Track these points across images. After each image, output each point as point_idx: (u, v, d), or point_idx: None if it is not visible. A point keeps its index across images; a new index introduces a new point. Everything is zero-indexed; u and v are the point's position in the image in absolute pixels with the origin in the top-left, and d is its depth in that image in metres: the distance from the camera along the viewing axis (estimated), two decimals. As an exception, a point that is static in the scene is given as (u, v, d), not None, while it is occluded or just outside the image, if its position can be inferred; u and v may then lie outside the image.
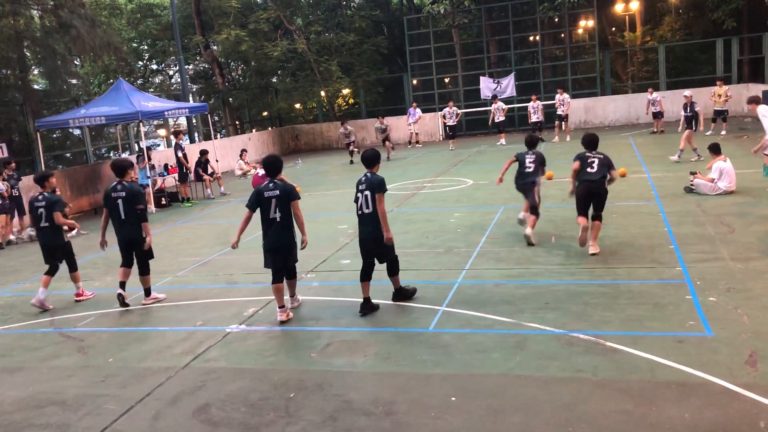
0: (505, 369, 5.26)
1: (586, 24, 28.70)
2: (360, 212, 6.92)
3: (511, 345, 5.71)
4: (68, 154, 24.77)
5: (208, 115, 22.13)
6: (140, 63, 33.96)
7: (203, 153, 17.76)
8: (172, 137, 23.00)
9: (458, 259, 8.61)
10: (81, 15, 20.33)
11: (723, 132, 18.91)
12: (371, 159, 7.05)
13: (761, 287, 6.53)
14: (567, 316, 6.25)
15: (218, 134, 30.78)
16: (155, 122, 30.68)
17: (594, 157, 8.50)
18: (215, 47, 30.54)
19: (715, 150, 11.58)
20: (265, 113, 33.45)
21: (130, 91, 16.84)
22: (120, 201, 7.80)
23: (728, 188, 10.98)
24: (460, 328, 6.23)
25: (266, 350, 6.20)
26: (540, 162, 9.43)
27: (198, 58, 33.35)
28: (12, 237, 13.57)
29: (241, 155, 21.23)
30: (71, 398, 5.51)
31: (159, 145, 31.91)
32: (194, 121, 24.77)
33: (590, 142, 8.76)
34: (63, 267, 8.65)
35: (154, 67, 35.86)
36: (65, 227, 8.61)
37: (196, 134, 24.92)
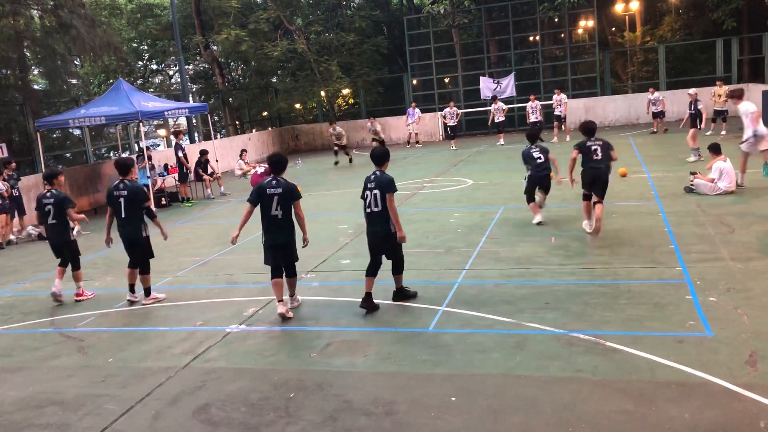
0: (505, 369, 5.26)
1: (586, 24, 28.71)
2: (369, 210, 6.94)
3: (511, 345, 5.71)
4: (68, 154, 24.77)
5: (208, 115, 22.13)
6: (140, 63, 33.97)
7: (203, 153, 17.76)
8: (172, 137, 23.00)
9: (458, 259, 8.61)
10: (81, 15, 20.33)
11: (723, 132, 18.92)
12: (381, 157, 7.08)
13: (761, 287, 6.53)
14: (567, 316, 6.25)
15: (218, 134, 30.78)
16: (155, 122, 30.68)
17: (595, 144, 9.05)
18: (215, 47, 30.54)
19: (715, 150, 11.58)
20: (265, 113, 33.45)
21: (130, 91, 16.84)
22: (122, 200, 7.85)
23: (728, 188, 10.98)
24: (460, 328, 6.23)
25: (266, 350, 6.20)
26: (546, 152, 10.30)
27: (198, 58, 33.36)
28: (12, 237, 13.57)
29: (241, 155, 21.22)
30: (71, 398, 5.51)
31: (159, 145, 31.92)
32: (194, 121, 24.77)
33: (589, 129, 9.27)
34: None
35: (154, 67, 35.87)
36: (72, 224, 8.71)
37: (196, 134, 24.92)
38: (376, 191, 6.85)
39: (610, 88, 27.50)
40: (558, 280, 7.36)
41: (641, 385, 4.77)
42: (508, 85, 26.54)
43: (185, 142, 19.99)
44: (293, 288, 7.31)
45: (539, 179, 10.19)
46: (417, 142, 25.50)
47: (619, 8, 28.89)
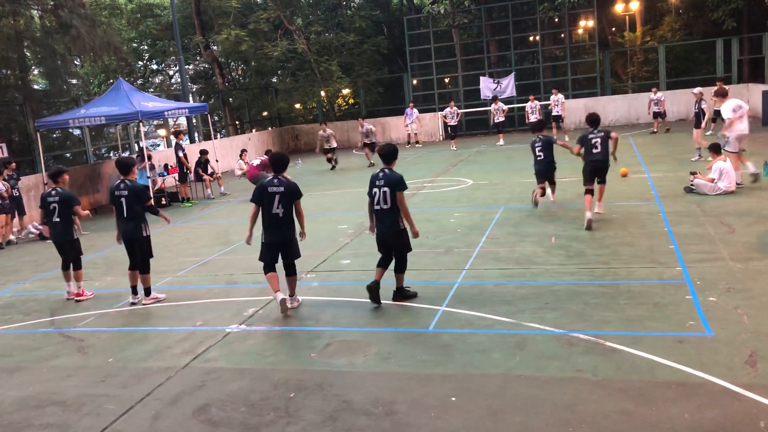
0: (505, 369, 5.26)
1: (586, 24, 28.70)
2: (378, 207, 6.99)
3: (511, 345, 5.71)
4: (68, 154, 24.76)
5: (208, 115, 22.13)
6: (140, 63, 33.96)
7: (203, 153, 17.76)
8: (172, 137, 22.98)
9: (458, 259, 8.61)
10: (81, 15, 20.32)
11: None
12: (389, 154, 7.12)
13: (761, 287, 6.53)
14: (567, 316, 6.25)
15: (218, 134, 30.77)
16: (155, 122, 30.68)
17: (596, 137, 9.86)
18: (215, 47, 30.54)
19: (715, 150, 11.58)
20: (265, 113, 33.44)
21: (130, 91, 16.84)
22: (123, 199, 7.87)
23: (728, 188, 10.98)
24: (460, 328, 6.23)
25: (266, 350, 6.20)
26: (550, 145, 11.20)
27: (198, 58, 33.35)
28: (12, 237, 13.58)
29: (241, 155, 21.12)
30: (71, 398, 5.51)
31: (159, 145, 31.91)
32: (194, 121, 24.76)
33: (593, 120, 10.15)
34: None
35: (154, 67, 35.87)
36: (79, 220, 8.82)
37: (196, 134, 24.92)
38: (386, 189, 6.90)
39: (610, 88, 27.50)
40: (558, 280, 7.36)
41: (641, 385, 4.77)
42: (508, 85, 26.53)
43: (185, 142, 19.99)
44: (293, 287, 7.31)
45: (543, 172, 11.17)
46: (417, 142, 25.51)
47: (619, 8, 28.88)
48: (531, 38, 30.25)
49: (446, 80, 31.31)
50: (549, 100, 22.50)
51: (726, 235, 8.55)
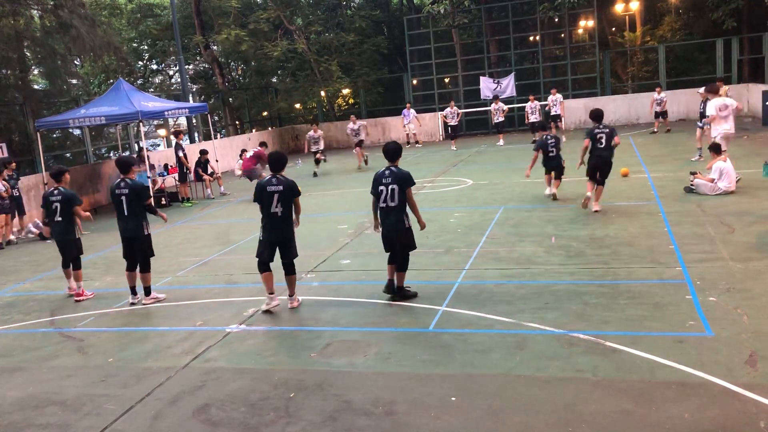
0: (505, 369, 5.26)
1: (586, 24, 28.69)
2: (384, 205, 7.03)
3: (511, 345, 5.71)
4: (68, 154, 24.75)
5: (208, 115, 22.12)
6: (140, 63, 33.96)
7: (203, 153, 17.76)
8: (172, 137, 22.97)
9: (458, 259, 8.61)
10: (81, 15, 20.32)
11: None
12: (394, 152, 7.17)
13: (761, 287, 6.53)
14: (567, 316, 6.25)
15: (218, 134, 30.77)
16: (155, 122, 30.68)
17: (601, 132, 10.37)
18: (215, 47, 30.53)
19: (715, 150, 11.58)
20: (265, 113, 33.44)
21: (130, 91, 16.83)
22: (123, 198, 7.89)
23: (728, 188, 10.98)
24: (460, 328, 6.23)
25: (266, 350, 6.20)
26: (558, 143, 12.11)
27: (198, 58, 33.35)
28: (12, 237, 13.58)
29: (240, 155, 21.15)
30: (71, 398, 5.51)
31: (159, 145, 31.90)
32: (194, 121, 24.77)
33: (597, 115, 10.60)
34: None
35: (154, 67, 35.86)
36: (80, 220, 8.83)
37: (196, 134, 24.92)
38: (394, 186, 6.95)
39: (610, 88, 27.49)
40: (558, 280, 7.36)
41: (641, 385, 4.77)
42: (508, 85, 26.53)
43: (185, 142, 19.99)
44: (293, 287, 7.31)
45: (555, 168, 12.00)
46: (417, 142, 25.50)
47: (619, 8, 28.87)
48: (531, 38, 30.24)
49: (446, 80, 31.30)
50: (547, 100, 22.49)
51: (726, 235, 8.55)
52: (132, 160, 8.53)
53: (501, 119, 22.68)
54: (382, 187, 7.03)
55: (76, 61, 29.11)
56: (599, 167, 10.40)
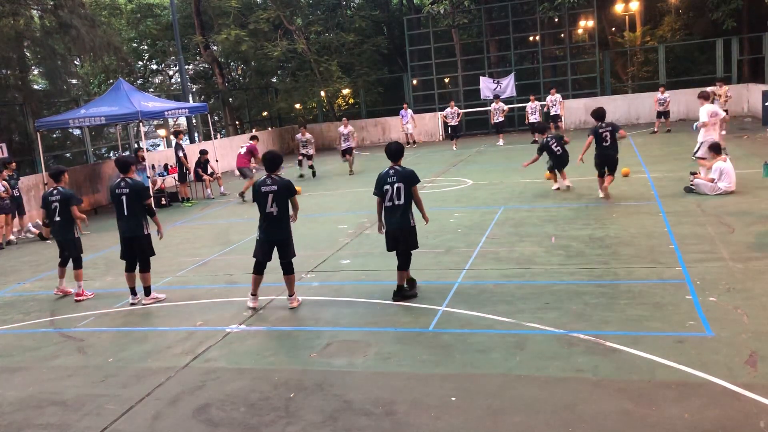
0: (505, 369, 5.26)
1: (586, 24, 28.69)
2: (390, 204, 7.08)
3: (511, 345, 5.71)
4: (68, 154, 24.75)
5: (208, 115, 22.12)
6: (140, 63, 33.95)
7: (203, 153, 17.76)
8: (172, 137, 22.96)
9: (458, 259, 8.61)
10: (81, 15, 20.32)
11: (723, 132, 18.88)
12: (397, 152, 7.24)
13: (761, 287, 6.53)
14: (567, 316, 6.25)
15: (218, 134, 30.77)
16: (155, 122, 30.67)
17: (605, 131, 11.16)
18: (215, 47, 30.53)
19: (715, 150, 11.58)
20: (265, 113, 33.43)
21: (130, 91, 16.83)
22: (124, 197, 7.90)
23: (728, 188, 10.97)
24: (460, 328, 6.23)
25: (266, 350, 6.20)
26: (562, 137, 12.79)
27: (198, 58, 33.34)
28: (12, 237, 13.58)
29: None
30: (71, 398, 5.51)
31: (159, 145, 31.89)
32: (194, 121, 24.76)
33: (599, 114, 11.39)
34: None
35: (154, 67, 35.85)
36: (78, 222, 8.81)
37: (196, 134, 24.91)
38: (399, 185, 7.02)
39: (610, 88, 27.49)
40: (558, 280, 7.36)
41: (641, 385, 4.77)
42: (508, 85, 26.52)
43: (185, 142, 19.98)
44: (292, 286, 7.31)
45: (562, 164, 12.56)
46: (414, 142, 25.49)
47: (619, 8, 28.87)
48: (531, 38, 30.24)
49: (446, 80, 31.30)
50: (546, 100, 22.49)
51: (726, 235, 8.55)
52: (131, 159, 8.55)
53: (501, 119, 22.68)
54: (387, 187, 7.08)
55: (76, 61, 29.09)
56: (607, 163, 11.21)
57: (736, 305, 6.11)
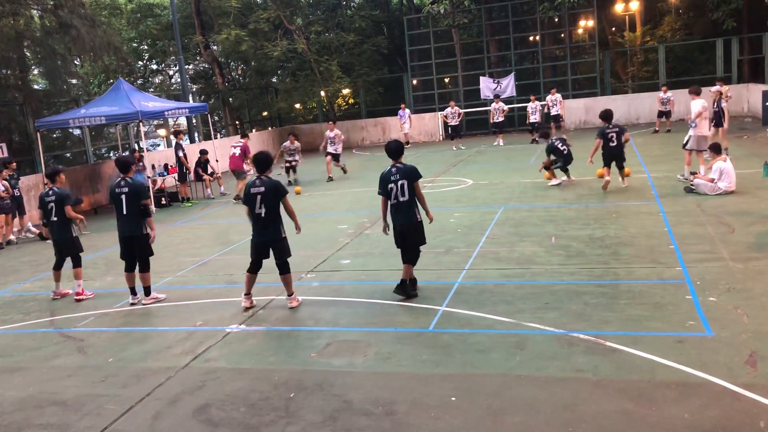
0: (505, 369, 5.26)
1: (586, 24, 28.68)
2: (395, 201, 7.15)
3: (511, 345, 5.71)
4: (68, 154, 24.76)
5: (208, 115, 22.12)
6: (140, 63, 33.94)
7: (203, 153, 17.76)
8: (172, 137, 22.94)
9: (458, 259, 8.61)
10: (81, 15, 20.31)
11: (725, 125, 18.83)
12: (397, 150, 7.33)
13: (761, 287, 6.53)
14: (567, 316, 6.25)
15: (218, 134, 30.77)
16: (155, 122, 30.67)
17: (612, 132, 11.97)
18: (215, 47, 30.52)
19: (715, 150, 11.58)
20: (265, 113, 33.42)
21: (130, 91, 16.84)
22: (123, 196, 7.91)
23: (728, 188, 10.97)
24: (460, 328, 6.23)
25: (266, 350, 6.20)
26: (565, 141, 13.53)
27: (198, 58, 33.33)
28: (12, 237, 13.58)
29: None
30: (71, 398, 5.51)
31: (159, 145, 31.88)
32: (194, 121, 24.76)
33: (607, 115, 12.25)
34: (67, 265, 8.72)
35: (154, 67, 35.84)
36: (76, 221, 8.84)
37: (196, 134, 24.91)
38: (403, 181, 7.09)
39: (610, 88, 27.48)
40: (558, 280, 7.36)
41: (641, 385, 4.77)
42: (508, 85, 26.52)
43: (185, 142, 19.98)
44: (290, 286, 7.32)
45: (569, 162, 13.21)
46: (407, 143, 25.48)
47: (619, 8, 28.86)
48: (531, 38, 30.22)
49: (446, 80, 31.29)
50: (546, 100, 22.48)
51: (726, 235, 8.55)
52: (131, 159, 8.57)
53: (500, 119, 22.66)
54: (391, 185, 7.13)
55: (76, 61, 29.09)
56: (614, 159, 12.06)
57: (736, 305, 6.11)
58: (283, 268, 7.24)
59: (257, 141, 26.74)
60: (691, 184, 11.34)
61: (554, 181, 13.26)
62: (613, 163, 12.21)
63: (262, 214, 7.08)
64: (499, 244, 9.16)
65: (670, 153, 16.48)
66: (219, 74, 30.19)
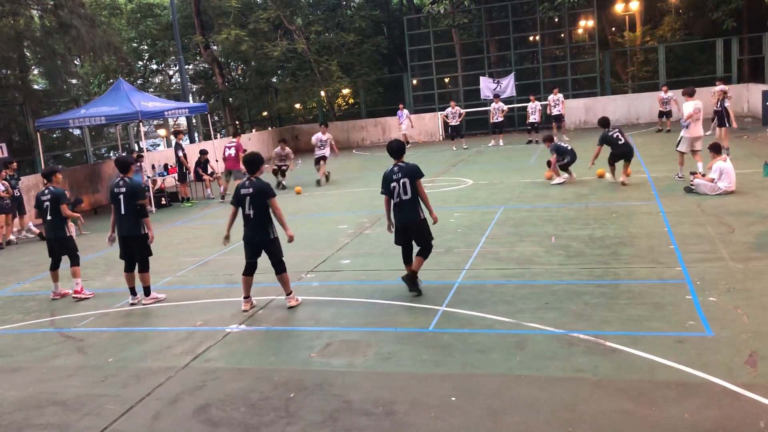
0: (505, 369, 5.26)
1: (586, 24, 28.68)
2: (398, 200, 7.20)
3: (511, 345, 5.71)
4: (68, 154, 24.76)
5: (208, 115, 22.13)
6: (140, 63, 33.94)
7: (203, 153, 17.76)
8: (172, 137, 22.94)
9: (458, 259, 8.61)
10: (81, 15, 20.32)
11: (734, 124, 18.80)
12: (399, 150, 7.46)
13: (761, 287, 6.53)
14: (567, 316, 6.25)
15: (218, 134, 30.77)
16: (155, 122, 30.67)
17: (615, 132, 12.45)
18: (215, 47, 30.52)
19: (715, 150, 11.58)
20: (265, 113, 33.43)
21: (130, 91, 16.84)
22: (122, 196, 7.93)
23: (728, 188, 10.97)
24: (460, 328, 6.23)
25: (266, 350, 6.20)
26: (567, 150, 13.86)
27: (198, 58, 33.34)
28: (12, 237, 13.58)
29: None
30: (71, 398, 5.51)
31: (159, 145, 31.87)
32: (194, 121, 24.77)
33: (605, 122, 12.90)
34: (65, 265, 8.71)
35: (154, 67, 35.84)
36: (70, 221, 8.83)
37: (196, 134, 24.92)
38: (405, 180, 7.16)
39: (610, 88, 27.49)
40: (558, 280, 7.36)
41: (641, 385, 4.77)
42: (508, 85, 26.52)
43: (185, 142, 19.98)
44: (287, 285, 7.33)
45: (574, 161, 13.64)
46: (406, 143, 25.47)
47: (619, 8, 28.86)
48: (531, 38, 30.23)
49: (446, 80, 31.29)
50: (548, 99, 22.48)
51: (726, 235, 8.55)
52: (131, 159, 8.57)
53: (500, 119, 22.65)
54: (394, 184, 7.19)
55: (76, 61, 29.08)
56: (624, 157, 12.45)
57: (736, 305, 6.11)
58: (278, 268, 7.25)
59: (257, 141, 26.77)
60: (691, 184, 11.34)
61: (557, 180, 13.41)
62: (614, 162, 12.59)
63: (251, 216, 7.13)
64: (499, 244, 9.16)
65: (670, 153, 16.45)
66: (219, 74, 30.19)
